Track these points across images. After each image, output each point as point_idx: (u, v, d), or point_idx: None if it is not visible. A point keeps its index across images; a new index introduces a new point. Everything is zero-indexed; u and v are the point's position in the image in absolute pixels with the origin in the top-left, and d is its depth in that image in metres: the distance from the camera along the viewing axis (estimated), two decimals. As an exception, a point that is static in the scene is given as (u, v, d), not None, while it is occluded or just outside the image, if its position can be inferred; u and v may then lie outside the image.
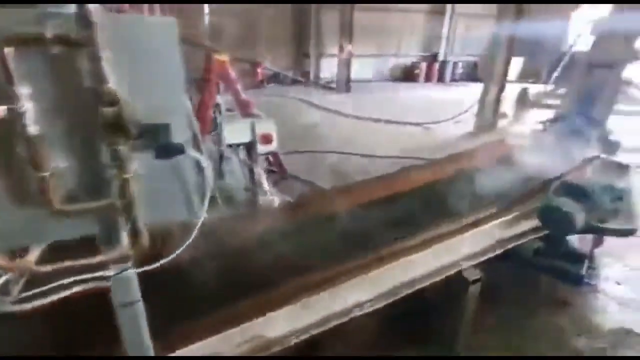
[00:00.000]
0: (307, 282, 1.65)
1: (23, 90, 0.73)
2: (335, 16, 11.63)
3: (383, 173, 2.97)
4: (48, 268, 0.92)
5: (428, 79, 14.51)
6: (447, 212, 2.32)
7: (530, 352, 2.11)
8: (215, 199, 3.07)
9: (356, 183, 2.87)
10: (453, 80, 14.86)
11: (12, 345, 1.45)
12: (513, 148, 3.52)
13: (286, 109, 8.96)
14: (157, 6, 2.84)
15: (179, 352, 1.34)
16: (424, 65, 14.46)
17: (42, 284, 1.00)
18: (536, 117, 4.89)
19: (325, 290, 1.62)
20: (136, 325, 1.08)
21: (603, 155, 3.13)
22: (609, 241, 2.77)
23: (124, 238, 0.92)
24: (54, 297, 0.95)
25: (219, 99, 4.41)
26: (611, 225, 2.07)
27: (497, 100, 7.37)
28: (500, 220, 2.13)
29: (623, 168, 2.87)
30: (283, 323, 1.55)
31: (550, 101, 7.46)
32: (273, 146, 2.38)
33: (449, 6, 14.44)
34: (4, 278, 0.96)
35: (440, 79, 14.72)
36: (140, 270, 1.01)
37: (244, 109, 3.88)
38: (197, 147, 2.91)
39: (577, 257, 2.41)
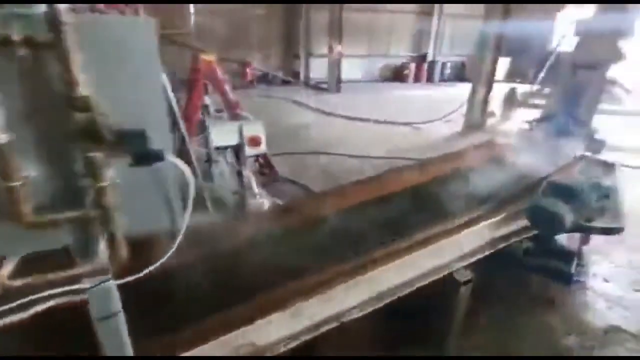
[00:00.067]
0: (297, 287, 1.62)
1: (-11, 96, 0.69)
2: (325, 16, 11.63)
3: (374, 174, 2.97)
4: (20, 282, 0.87)
5: (417, 79, 14.63)
6: (437, 213, 2.31)
7: (521, 352, 2.11)
8: (205, 203, 3.02)
9: (347, 185, 2.85)
10: (442, 80, 15.02)
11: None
12: (501, 148, 3.55)
13: (276, 109, 8.92)
14: (140, 6, 2.78)
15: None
16: (413, 65, 14.57)
17: (17, 298, 0.95)
18: (523, 117, 4.96)
19: (315, 295, 1.60)
20: (117, 339, 1.03)
21: (589, 155, 3.18)
22: (596, 238, 2.82)
23: (102, 249, 0.88)
24: (28, 313, 0.90)
25: (207, 99, 4.36)
26: (599, 224, 2.10)
27: (485, 100, 7.46)
28: (490, 220, 2.14)
29: (609, 166, 2.92)
30: (273, 330, 1.52)
31: (536, 101, 7.60)
32: (261, 148, 2.34)
33: (436, 7, 14.58)
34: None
35: (429, 79, 14.87)
36: (120, 282, 0.97)
37: (233, 110, 3.84)
38: (185, 149, 2.82)
39: (566, 256, 2.44)
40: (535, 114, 5.04)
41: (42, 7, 0.71)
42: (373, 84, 13.85)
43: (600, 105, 3.96)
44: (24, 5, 0.71)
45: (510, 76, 13.83)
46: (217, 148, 2.26)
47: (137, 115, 0.76)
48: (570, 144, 3.54)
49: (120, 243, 0.85)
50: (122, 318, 1.00)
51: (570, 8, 12.03)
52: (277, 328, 1.52)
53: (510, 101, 8.08)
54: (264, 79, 12.31)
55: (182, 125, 3.12)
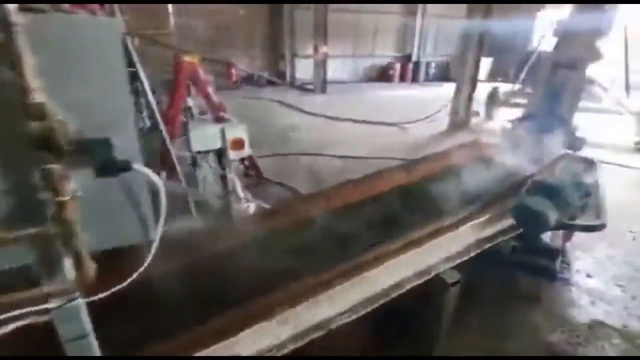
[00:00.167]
0: (282, 295, 1.57)
1: None
2: (310, 17, 11.59)
3: (361, 174, 2.94)
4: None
5: (402, 79, 14.76)
6: (424, 214, 2.30)
7: (509, 350, 2.12)
8: (189, 208, 2.93)
9: (333, 187, 2.81)
10: (427, 80, 15.19)
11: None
12: (486, 147, 3.59)
13: (262, 110, 8.83)
14: (115, 6, 2.69)
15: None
16: (398, 65, 14.69)
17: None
18: (506, 116, 5.04)
19: (301, 302, 1.55)
20: (89, 360, 0.96)
21: (571, 153, 3.24)
22: (578, 235, 2.87)
23: (68, 267, 0.81)
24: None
25: (190, 101, 4.26)
26: (582, 221, 2.13)
27: (469, 100, 7.56)
28: (476, 221, 2.14)
29: (590, 163, 2.98)
30: (257, 340, 1.47)
31: (518, 100, 7.75)
32: (245, 152, 2.28)
33: (420, 7, 14.74)
34: None
35: (415, 79, 15.01)
36: (90, 299, 0.90)
37: (216, 112, 3.76)
38: (167, 153, 2.72)
39: (550, 253, 2.46)
40: (518, 112, 5.13)
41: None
42: (359, 84, 13.89)
43: (580, 104, 4.05)
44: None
45: (493, 76, 14.10)
46: (199, 152, 2.19)
47: (101, 122, 0.71)
48: (552, 142, 3.60)
49: (85, 261, 0.78)
50: (92, 338, 0.93)
51: (549, 8, 12.35)
52: (263, 338, 1.47)
53: (493, 100, 8.22)
54: (249, 79, 12.19)
55: (164, 128, 3.04)
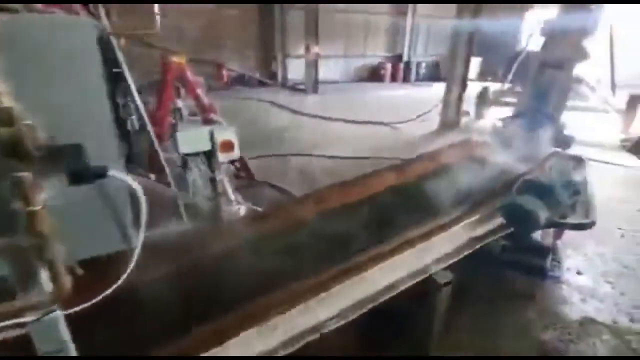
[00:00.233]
0: (272, 300, 1.54)
1: None
2: (301, 17, 11.56)
3: (353, 174, 2.92)
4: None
5: (394, 79, 14.83)
6: (417, 214, 2.29)
7: (502, 349, 2.12)
8: (179, 211, 2.88)
9: (325, 188, 2.79)
10: (417, 80, 15.28)
11: None
12: (476, 146, 3.60)
13: (253, 111, 8.77)
14: (101, 6, 2.62)
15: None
16: (389, 65, 14.75)
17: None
18: (496, 115, 5.08)
19: (291, 308, 1.53)
20: (69, 375, 0.92)
21: (560, 151, 3.27)
22: (568, 232, 2.89)
23: (43, 279, 0.77)
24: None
25: (180, 103, 4.20)
26: (572, 220, 2.14)
27: (460, 99, 7.62)
28: (468, 220, 2.14)
29: (579, 161, 3.01)
30: (246, 348, 1.43)
31: (508, 99, 7.84)
32: (234, 154, 2.25)
33: (410, 7, 14.83)
34: None
35: (406, 79, 15.09)
36: (69, 311, 0.86)
37: (206, 114, 3.70)
38: (156, 155, 2.66)
39: (541, 252, 2.48)
40: (507, 111, 5.17)
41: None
42: (350, 84, 13.90)
43: (568, 103, 4.10)
44: None
45: (482, 75, 14.26)
46: (187, 155, 2.15)
47: (74, 126, 0.67)
48: (541, 140, 3.63)
49: (60, 273, 0.75)
50: (72, 350, 0.89)
51: (537, 8, 12.53)
52: (251, 346, 1.44)
53: (483, 100, 8.29)
54: (241, 80, 12.10)
55: (151, 130, 2.98)
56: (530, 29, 8.05)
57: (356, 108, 9.06)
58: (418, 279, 1.78)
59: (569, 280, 2.70)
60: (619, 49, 7.19)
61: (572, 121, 4.07)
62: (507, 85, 7.98)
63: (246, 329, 1.46)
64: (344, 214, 2.46)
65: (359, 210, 2.48)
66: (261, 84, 12.35)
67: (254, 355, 1.38)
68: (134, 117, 3.15)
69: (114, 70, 2.94)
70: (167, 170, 2.95)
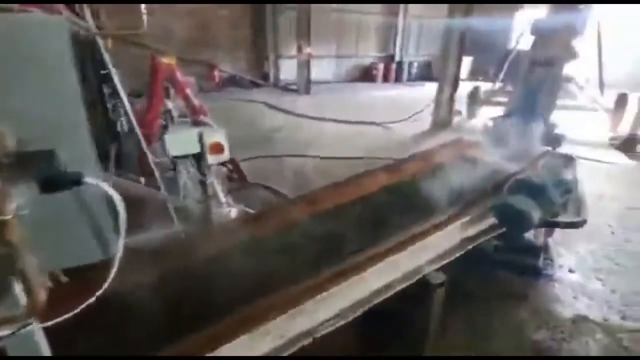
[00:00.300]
0: (263, 305, 1.51)
1: None
2: (293, 17, 11.53)
3: (347, 175, 2.91)
4: None
5: (386, 79, 14.87)
6: (410, 215, 2.28)
7: (496, 349, 2.12)
8: (169, 215, 2.82)
9: (318, 189, 2.77)
10: (409, 80, 15.35)
11: None
12: (468, 146, 3.61)
13: (246, 112, 8.71)
14: (85, 6, 2.55)
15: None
16: (381, 65, 14.79)
17: None
18: (487, 114, 5.11)
19: (284, 312, 1.50)
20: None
21: (551, 149, 3.29)
22: (559, 230, 2.91)
23: (17, 292, 0.73)
24: None
25: (170, 104, 4.13)
26: (564, 218, 2.15)
27: (452, 99, 7.66)
28: (461, 220, 2.13)
29: (569, 160, 3.03)
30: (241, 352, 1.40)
31: (499, 98, 7.90)
32: (224, 156, 2.21)
33: (401, 7, 14.89)
34: None
35: (398, 78, 15.15)
36: (47, 324, 0.82)
37: (196, 115, 3.65)
38: (144, 158, 2.60)
39: (533, 251, 2.49)
40: (499, 111, 5.21)
41: None
42: (343, 85, 13.90)
43: (558, 101, 4.13)
44: None
45: (474, 75, 14.38)
46: (175, 157, 2.10)
47: (47, 131, 0.63)
48: (532, 139, 3.65)
49: (34, 285, 0.71)
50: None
51: (527, 8, 12.68)
52: (245, 352, 1.40)
53: (475, 99, 8.35)
54: (233, 81, 12.01)
55: (139, 132, 2.92)
56: (521, 28, 8.13)
57: (349, 108, 9.06)
58: (411, 281, 1.76)
59: (562, 278, 2.71)
60: (607, 48, 7.29)
61: (561, 120, 4.11)
62: (498, 85, 8.05)
63: (238, 335, 1.43)
64: (336, 215, 2.43)
65: (352, 211, 2.46)
66: (253, 84, 12.28)
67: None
68: (123, 119, 3.09)
69: (102, 71, 2.90)
70: (157, 173, 2.90)
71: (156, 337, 1.40)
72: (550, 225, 2.27)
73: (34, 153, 0.60)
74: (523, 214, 1.91)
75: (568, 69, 4.32)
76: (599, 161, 5.40)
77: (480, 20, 8.47)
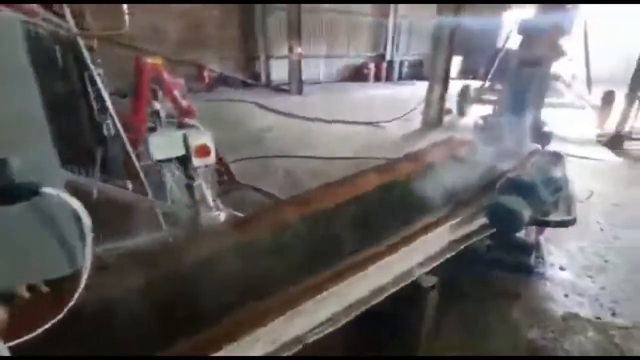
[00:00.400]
0: (252, 311, 1.47)
1: None
2: (283, 18, 11.47)
3: (339, 175, 2.87)
4: None
5: (377, 78, 14.90)
6: (400, 216, 2.25)
7: (490, 349, 2.11)
8: (158, 221, 2.76)
9: (309, 191, 2.73)
10: (400, 79, 15.42)
11: None
12: (459, 145, 3.61)
13: (237, 112, 8.62)
14: (66, 6, 2.48)
15: None
16: (372, 65, 14.82)
17: None
18: (477, 112, 5.14)
19: (274, 318, 1.46)
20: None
21: (540, 147, 3.31)
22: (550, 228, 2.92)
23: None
24: None
25: (157, 105, 4.05)
26: (554, 217, 2.14)
27: (442, 98, 7.69)
28: (452, 221, 2.11)
29: (558, 157, 3.04)
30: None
31: (488, 97, 7.97)
32: (211, 159, 2.15)
33: (392, 7, 14.93)
34: None
35: (389, 78, 15.20)
36: (12, 344, 0.77)
37: (184, 117, 3.58)
38: (130, 162, 2.53)
39: (525, 249, 2.49)
40: (489, 109, 5.24)
41: None
42: (334, 84, 13.89)
43: (546, 99, 4.17)
44: None
45: (464, 73, 14.50)
46: (159, 161, 2.04)
47: None
48: (521, 137, 3.67)
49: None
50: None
51: (515, 8, 12.81)
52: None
53: (465, 98, 8.41)
54: (223, 81, 11.90)
55: (124, 135, 2.85)
56: (509, 28, 8.21)
57: (340, 108, 9.04)
58: (403, 284, 1.74)
59: (553, 276, 2.72)
60: (593, 45, 7.39)
61: (549, 117, 4.15)
62: (487, 83, 8.11)
63: (228, 343, 1.39)
64: (326, 218, 2.40)
65: (342, 213, 2.43)
66: (244, 84, 12.19)
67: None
68: (109, 121, 3.01)
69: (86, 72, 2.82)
70: (143, 177, 2.83)
71: (138, 346, 1.35)
72: (541, 224, 2.27)
73: (-19, 164, 0.55)
74: (514, 214, 1.90)
75: (555, 67, 4.36)
76: (586, 158, 5.46)
77: (470, 20, 8.53)
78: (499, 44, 11.02)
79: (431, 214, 2.23)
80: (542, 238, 2.96)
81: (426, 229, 2.06)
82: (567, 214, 2.20)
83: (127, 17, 3.08)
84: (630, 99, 5.96)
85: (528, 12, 4.25)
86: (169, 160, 2.07)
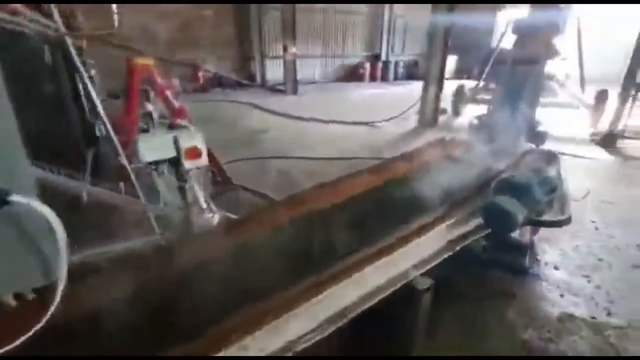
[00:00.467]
0: (239, 320, 1.44)
1: None
2: (277, 18, 11.44)
3: (334, 175, 2.85)
4: None
5: (373, 78, 14.92)
6: (395, 217, 2.23)
7: (487, 349, 2.09)
8: (150, 224, 2.71)
9: (303, 192, 2.69)
10: (396, 79, 15.44)
11: None
12: (454, 144, 3.60)
13: (232, 113, 8.58)
14: (53, 6, 2.43)
15: None
16: (368, 65, 14.83)
17: None
18: (472, 112, 5.14)
19: (263, 325, 1.43)
20: None
21: (534, 147, 3.31)
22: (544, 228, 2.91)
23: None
24: None
25: (150, 107, 4.00)
26: (549, 217, 2.13)
27: (437, 97, 7.70)
28: (448, 222, 2.10)
29: (553, 157, 3.04)
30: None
31: (483, 96, 7.98)
32: (202, 161, 2.12)
33: (387, 7, 14.95)
34: None
35: (384, 78, 15.22)
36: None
37: (176, 118, 3.54)
38: (121, 164, 2.48)
39: (520, 249, 2.48)
40: (483, 108, 5.24)
41: None
42: (330, 84, 13.88)
43: (540, 99, 4.18)
44: None
45: (458, 73, 14.55)
46: (149, 163, 2.01)
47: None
48: (516, 137, 3.67)
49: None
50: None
51: (509, 8, 12.89)
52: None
53: (460, 97, 8.43)
54: (218, 82, 11.85)
55: (114, 137, 2.80)
56: (502, 28, 8.24)
57: (336, 108, 9.03)
58: (397, 287, 1.72)
59: (548, 276, 2.71)
60: (586, 45, 7.43)
61: (543, 117, 4.16)
62: (482, 83, 8.13)
63: (216, 352, 1.36)
64: (322, 218, 2.37)
65: (337, 214, 2.40)
66: (239, 85, 12.15)
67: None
68: (99, 122, 2.97)
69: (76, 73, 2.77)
70: (134, 180, 2.78)
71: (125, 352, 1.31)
72: (535, 224, 2.26)
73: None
74: (509, 214, 1.89)
75: (549, 66, 4.37)
76: (580, 157, 5.49)
77: (464, 20, 8.54)
78: (494, 44, 11.08)
79: (427, 214, 2.21)
80: (536, 238, 2.96)
81: (422, 230, 2.04)
82: (561, 214, 2.19)
83: (116, 17, 3.04)
84: (623, 98, 6.00)
85: (522, 12, 4.25)
86: (159, 162, 2.03)
